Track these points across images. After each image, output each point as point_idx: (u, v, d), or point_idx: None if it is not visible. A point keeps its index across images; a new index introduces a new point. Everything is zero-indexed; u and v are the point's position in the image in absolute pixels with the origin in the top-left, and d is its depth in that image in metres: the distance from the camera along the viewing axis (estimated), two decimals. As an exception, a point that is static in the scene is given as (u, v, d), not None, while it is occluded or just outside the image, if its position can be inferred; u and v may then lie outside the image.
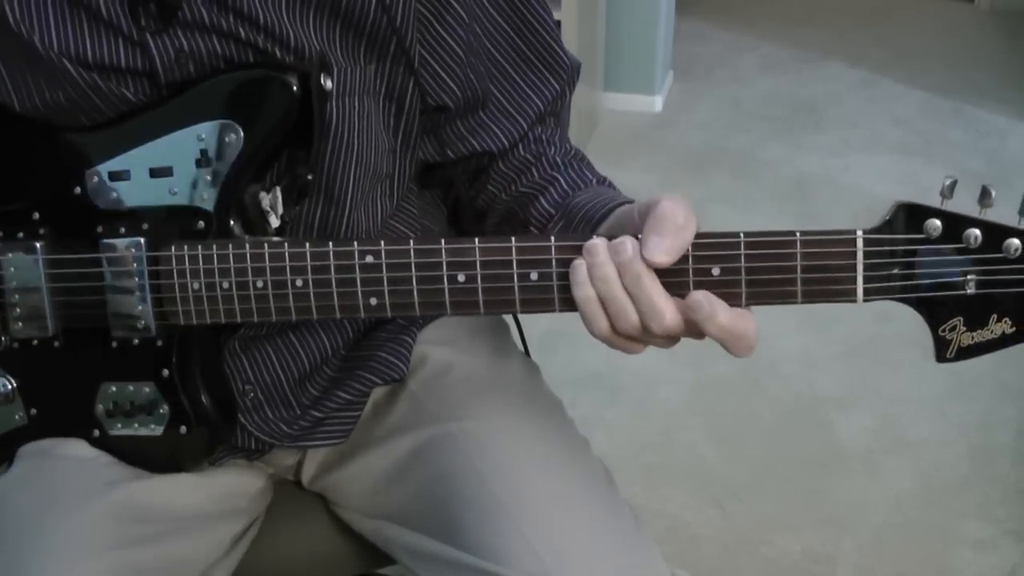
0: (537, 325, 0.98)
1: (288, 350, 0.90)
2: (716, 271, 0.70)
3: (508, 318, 1.04)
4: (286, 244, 0.75)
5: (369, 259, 0.74)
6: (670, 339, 0.72)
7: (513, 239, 0.72)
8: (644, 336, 0.71)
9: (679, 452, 1.97)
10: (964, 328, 0.70)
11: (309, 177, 0.82)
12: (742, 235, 0.70)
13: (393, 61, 0.84)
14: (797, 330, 2.26)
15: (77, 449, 0.84)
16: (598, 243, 0.70)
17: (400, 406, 0.93)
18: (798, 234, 0.69)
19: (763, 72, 3.67)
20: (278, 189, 0.79)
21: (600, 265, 0.70)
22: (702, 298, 0.69)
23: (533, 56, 0.91)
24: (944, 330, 0.71)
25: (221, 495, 0.90)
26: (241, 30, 0.77)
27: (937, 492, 1.86)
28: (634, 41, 3.25)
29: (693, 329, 0.70)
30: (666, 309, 0.69)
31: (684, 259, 0.70)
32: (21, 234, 0.80)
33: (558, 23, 2.71)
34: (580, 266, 0.70)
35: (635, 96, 3.36)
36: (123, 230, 0.78)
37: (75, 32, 0.77)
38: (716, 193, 2.89)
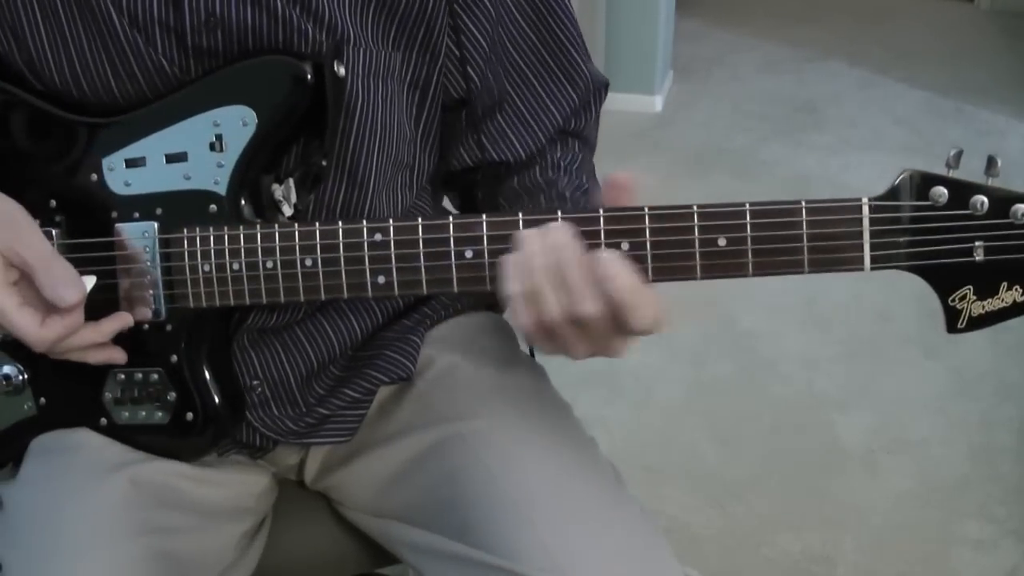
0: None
1: (296, 347, 0.90)
2: (722, 241, 0.70)
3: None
4: (296, 224, 0.76)
5: (378, 237, 0.74)
6: (611, 336, 0.69)
7: (520, 213, 0.72)
8: (577, 330, 0.69)
9: (679, 452, 1.97)
10: (974, 297, 0.69)
11: (324, 163, 0.82)
12: (747, 205, 0.70)
13: (420, 50, 0.85)
14: (797, 330, 2.26)
15: (85, 439, 0.84)
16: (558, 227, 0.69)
17: (407, 407, 0.93)
18: (803, 203, 0.69)
19: (763, 72, 3.67)
20: (291, 181, 0.80)
21: (536, 254, 0.68)
22: (607, 256, 0.67)
23: (555, 66, 0.91)
24: (954, 300, 0.70)
25: (227, 494, 0.90)
26: (277, 1, 0.78)
27: (937, 492, 1.86)
28: (634, 41, 3.26)
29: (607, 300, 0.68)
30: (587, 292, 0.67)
31: (690, 230, 0.70)
32: (38, 222, 0.80)
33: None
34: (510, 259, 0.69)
35: (635, 96, 3.36)
36: (137, 215, 0.80)
37: None
38: (716, 193, 2.89)
